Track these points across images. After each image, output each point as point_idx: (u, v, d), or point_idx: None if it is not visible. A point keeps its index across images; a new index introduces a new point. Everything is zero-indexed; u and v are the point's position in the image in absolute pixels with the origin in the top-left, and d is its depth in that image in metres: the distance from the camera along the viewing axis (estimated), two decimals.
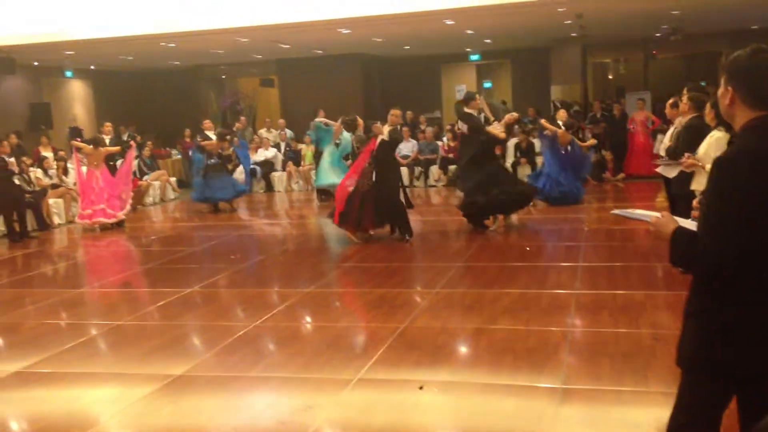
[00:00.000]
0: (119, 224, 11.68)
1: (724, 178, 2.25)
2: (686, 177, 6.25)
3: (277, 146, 16.54)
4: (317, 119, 13.70)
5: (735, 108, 2.37)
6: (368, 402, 4.34)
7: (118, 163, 12.97)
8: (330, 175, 12.21)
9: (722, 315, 2.29)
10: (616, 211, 2.75)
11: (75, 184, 12.29)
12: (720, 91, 2.43)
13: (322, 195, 13.63)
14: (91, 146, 11.69)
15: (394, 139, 9.22)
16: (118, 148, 12.64)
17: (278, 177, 16.03)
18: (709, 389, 2.37)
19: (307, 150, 15.91)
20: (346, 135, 12.57)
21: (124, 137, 15.54)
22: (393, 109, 9.35)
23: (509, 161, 14.57)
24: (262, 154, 16.16)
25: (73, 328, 6.28)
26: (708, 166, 5.91)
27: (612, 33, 17.26)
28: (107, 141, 13.16)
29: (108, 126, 14.44)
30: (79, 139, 13.94)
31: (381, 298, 6.72)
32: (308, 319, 6.20)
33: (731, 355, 2.28)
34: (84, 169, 11.66)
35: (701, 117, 6.66)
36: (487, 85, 21.88)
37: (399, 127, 9.63)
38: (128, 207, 11.88)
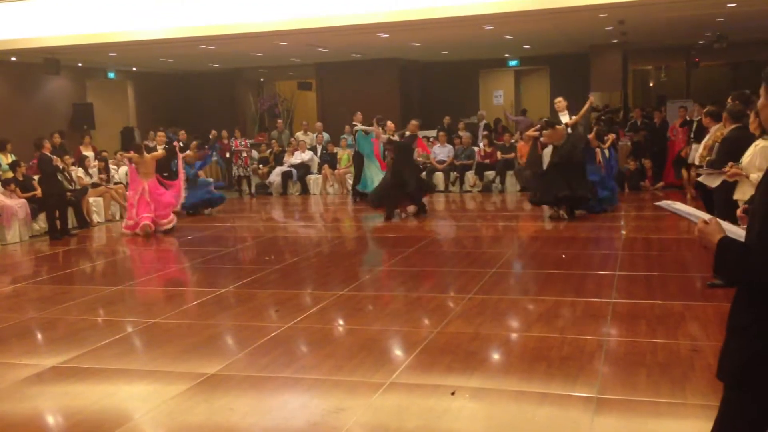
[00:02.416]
0: (171, 230, 11.34)
1: None
2: (729, 187, 6.13)
3: (313, 149, 16.62)
4: (358, 127, 13.85)
5: None
6: (399, 406, 4.31)
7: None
8: (375, 182, 12.74)
9: None
10: (662, 203, 2.64)
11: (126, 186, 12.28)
12: (761, 102, 2.36)
13: (357, 197, 13.86)
14: (137, 154, 11.36)
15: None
16: (163, 152, 12.31)
17: (314, 180, 16.11)
18: (751, 407, 2.29)
19: (343, 153, 15.98)
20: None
21: None
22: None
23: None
24: (298, 157, 16.25)
25: (110, 324, 6.37)
26: (753, 176, 5.77)
27: (654, 40, 17.03)
28: (158, 149, 12.83)
29: (161, 135, 13.62)
30: (126, 153, 13.53)
31: (414, 302, 6.69)
32: (341, 321, 6.20)
33: None
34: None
35: (740, 128, 6.54)
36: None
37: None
38: (173, 217, 11.55)
